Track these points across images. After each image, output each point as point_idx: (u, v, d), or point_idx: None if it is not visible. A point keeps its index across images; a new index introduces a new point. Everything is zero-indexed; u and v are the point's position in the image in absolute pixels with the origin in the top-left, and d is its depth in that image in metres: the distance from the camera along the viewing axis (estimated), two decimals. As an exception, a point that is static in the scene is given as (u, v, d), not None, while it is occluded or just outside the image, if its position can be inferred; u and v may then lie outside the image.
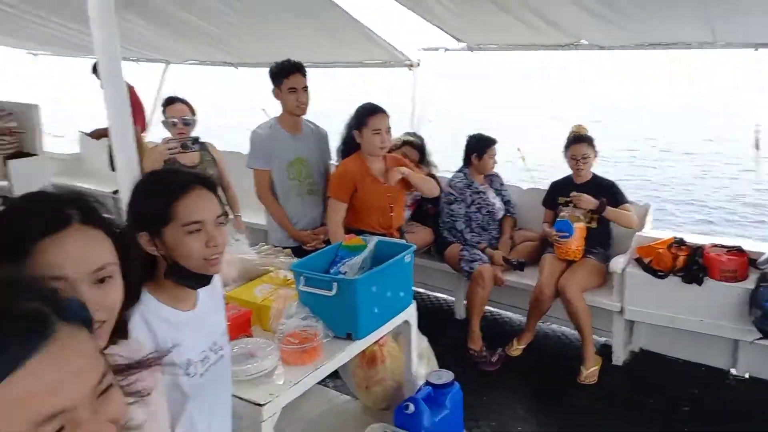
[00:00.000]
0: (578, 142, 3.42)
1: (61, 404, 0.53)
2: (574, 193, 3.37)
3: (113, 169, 4.61)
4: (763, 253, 3.04)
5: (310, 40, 4.35)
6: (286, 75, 2.96)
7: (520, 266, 3.51)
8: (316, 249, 3.04)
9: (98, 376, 0.59)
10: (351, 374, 2.50)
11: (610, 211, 3.31)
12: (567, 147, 3.46)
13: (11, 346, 0.51)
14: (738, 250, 3.08)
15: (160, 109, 3.27)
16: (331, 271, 2.23)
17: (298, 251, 3.06)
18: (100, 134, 4.60)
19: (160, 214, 1.24)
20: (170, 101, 3.16)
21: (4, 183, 4.94)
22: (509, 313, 3.90)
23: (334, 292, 1.93)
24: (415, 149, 3.79)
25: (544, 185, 3.77)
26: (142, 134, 4.88)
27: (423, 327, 3.61)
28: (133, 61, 5.94)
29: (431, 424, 2.11)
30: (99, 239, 0.91)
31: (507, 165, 4.47)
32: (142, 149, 3.92)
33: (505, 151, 4.03)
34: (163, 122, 3.12)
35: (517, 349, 3.39)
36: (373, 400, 2.44)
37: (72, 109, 11.50)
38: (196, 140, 3.01)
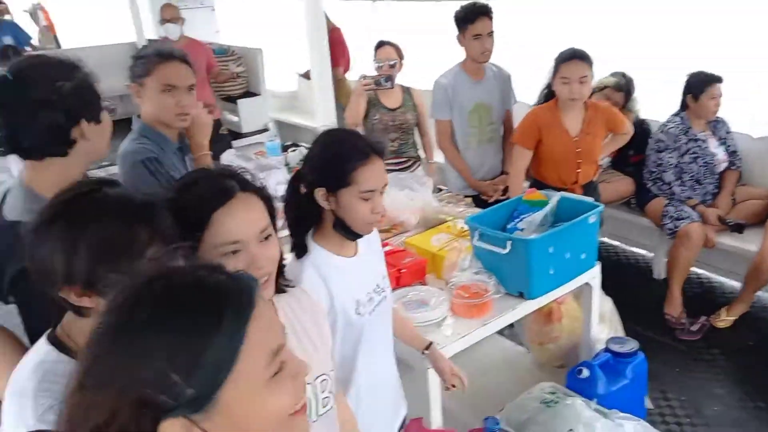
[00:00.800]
0: None
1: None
2: None
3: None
4: None
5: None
6: (471, 20, 2.85)
7: (738, 228, 3.03)
8: (496, 200, 3.03)
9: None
10: (525, 327, 2.48)
11: None
12: None
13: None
14: None
15: (369, 49, 3.41)
16: (508, 226, 2.19)
17: (478, 199, 3.06)
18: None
19: (342, 177, 1.35)
20: (379, 45, 3.25)
21: (235, 119, 5.72)
22: (721, 278, 3.43)
23: (507, 250, 1.90)
24: (620, 91, 3.42)
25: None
26: (345, 74, 5.16)
27: (614, 284, 3.41)
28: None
29: (607, 393, 2.02)
30: (257, 203, 1.06)
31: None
32: (344, 89, 4.19)
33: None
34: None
35: (725, 320, 2.99)
36: (547, 356, 2.40)
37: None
38: (388, 78, 3.03)
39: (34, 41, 7.76)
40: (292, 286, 1.26)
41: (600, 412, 1.85)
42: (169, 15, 4.26)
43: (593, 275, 2.19)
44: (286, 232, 2.40)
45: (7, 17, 7.44)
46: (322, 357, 1.21)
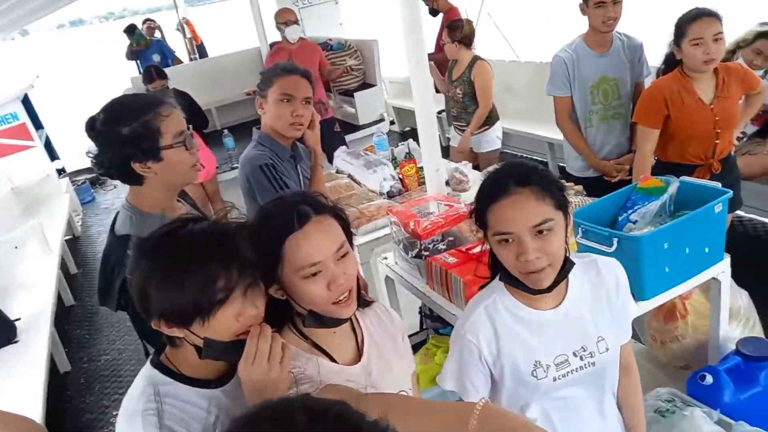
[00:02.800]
0: None
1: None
2: None
3: (437, 91, 5.10)
4: None
5: None
6: None
7: None
8: (622, 181, 2.83)
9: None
10: (645, 323, 2.31)
11: None
12: None
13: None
14: None
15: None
16: (620, 218, 2.05)
17: (601, 181, 2.89)
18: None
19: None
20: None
21: (352, 110, 5.90)
22: None
23: (613, 248, 1.78)
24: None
25: None
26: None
27: (760, 270, 3.05)
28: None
29: (735, 402, 1.83)
30: (333, 224, 1.13)
31: None
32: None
33: None
34: None
35: None
36: (669, 356, 2.22)
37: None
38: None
39: (181, 54, 8.61)
40: (372, 302, 1.31)
41: (723, 425, 1.68)
42: (284, 18, 4.48)
43: (722, 269, 1.96)
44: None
45: (157, 35, 8.32)
46: (396, 372, 1.24)
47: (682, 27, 2.38)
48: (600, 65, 2.84)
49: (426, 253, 2.15)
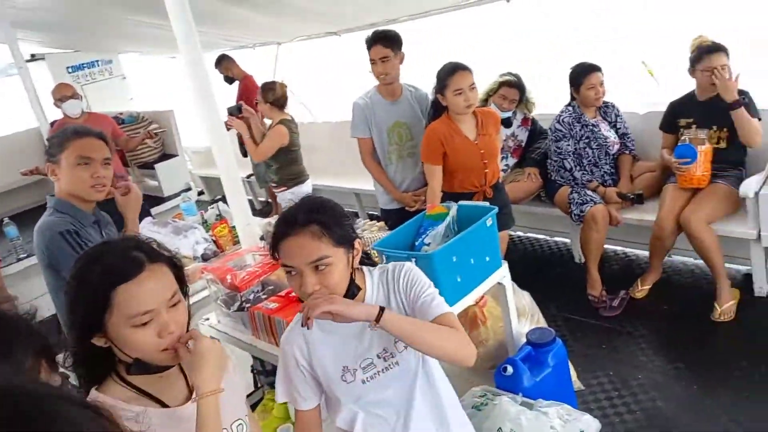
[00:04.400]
0: (717, 51, 2.98)
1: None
2: (718, 73, 2.90)
3: (244, 155, 5.10)
4: None
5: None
6: (369, 47, 3.09)
7: (638, 199, 3.27)
8: (420, 210, 3.15)
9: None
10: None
11: (741, 116, 2.89)
12: (698, 58, 3.03)
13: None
14: None
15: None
16: (416, 243, 2.30)
17: (402, 213, 3.20)
18: (227, 125, 5.02)
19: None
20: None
21: (155, 183, 5.67)
22: (636, 251, 3.66)
23: (413, 268, 1.99)
24: (514, 88, 3.63)
25: (664, 107, 3.39)
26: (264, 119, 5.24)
27: (542, 275, 3.60)
28: (249, 48, 6.36)
29: (532, 385, 2.13)
30: (167, 272, 1.14)
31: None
32: (296, 133, 4.26)
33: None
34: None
35: (641, 290, 3.20)
36: (478, 361, 2.47)
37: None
38: (238, 108, 3.75)
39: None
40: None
41: (526, 405, 1.95)
42: (60, 94, 4.22)
43: (503, 274, 2.31)
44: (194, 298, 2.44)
45: None
46: (232, 404, 1.25)
47: (443, 79, 2.81)
48: (393, 111, 3.21)
49: (247, 305, 2.17)
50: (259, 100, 3.96)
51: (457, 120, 2.86)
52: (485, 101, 3.58)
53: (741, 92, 2.99)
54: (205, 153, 6.28)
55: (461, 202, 2.32)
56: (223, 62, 5.62)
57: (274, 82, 4.09)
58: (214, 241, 2.95)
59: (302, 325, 1.29)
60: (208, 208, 3.42)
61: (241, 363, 2.54)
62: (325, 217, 1.34)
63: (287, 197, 4.01)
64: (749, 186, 2.84)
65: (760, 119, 2.97)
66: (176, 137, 5.84)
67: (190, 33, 2.33)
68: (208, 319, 2.35)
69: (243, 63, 5.77)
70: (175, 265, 1.17)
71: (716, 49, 2.98)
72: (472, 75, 2.80)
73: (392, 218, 3.24)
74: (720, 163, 3.02)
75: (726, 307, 2.88)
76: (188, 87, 2.43)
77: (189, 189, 5.53)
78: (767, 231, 2.82)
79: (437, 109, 2.92)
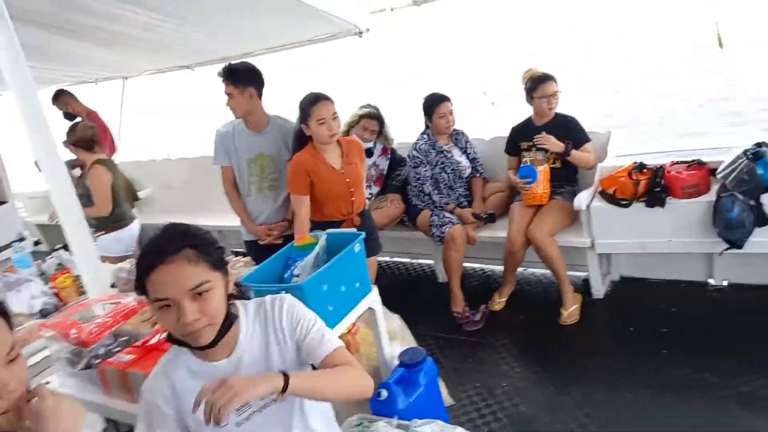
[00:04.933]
0: (547, 80, 3.36)
1: None
2: (540, 136, 3.33)
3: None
4: (722, 162, 3.01)
5: (255, 29, 4.24)
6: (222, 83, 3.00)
7: (490, 218, 3.51)
8: (273, 244, 3.09)
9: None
10: (330, 366, 2.54)
11: (574, 155, 3.32)
12: (533, 88, 3.38)
13: None
14: (698, 164, 3.06)
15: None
16: (285, 276, 2.25)
17: (258, 246, 3.12)
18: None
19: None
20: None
21: (-19, 235, 4.96)
22: (492, 267, 3.93)
23: (283, 301, 1.95)
24: (374, 120, 3.75)
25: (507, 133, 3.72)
26: (112, 155, 4.87)
27: (409, 298, 3.71)
28: (91, 83, 5.90)
29: (407, 406, 2.16)
30: (2, 326, 1.01)
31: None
32: (118, 171, 3.98)
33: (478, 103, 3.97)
34: None
35: (499, 303, 3.43)
36: (354, 388, 2.49)
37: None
38: None
39: None
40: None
41: (402, 427, 1.97)
42: None
43: (373, 299, 2.34)
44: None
45: None
46: None
47: (306, 109, 2.81)
48: (256, 142, 3.11)
49: (97, 360, 1.96)
50: (64, 143, 3.70)
51: (321, 150, 2.87)
52: (347, 132, 3.66)
53: (566, 118, 3.39)
54: (42, 198, 5.66)
55: (329, 231, 2.33)
56: (61, 97, 5.16)
57: (76, 123, 3.91)
58: (55, 294, 2.65)
59: (209, 422, 1.17)
60: (46, 258, 3.07)
61: (92, 428, 2.27)
62: (197, 240, 1.27)
63: (107, 242, 3.73)
64: (582, 200, 3.19)
65: (589, 140, 3.38)
66: (4, 182, 5.20)
67: (18, 67, 2.11)
68: (48, 382, 2.08)
69: (87, 98, 5.34)
70: (7, 317, 1.04)
71: (547, 78, 3.36)
72: (334, 104, 2.83)
73: (253, 250, 3.18)
74: (557, 180, 3.37)
75: (571, 311, 3.18)
76: (20, 126, 2.20)
77: (23, 239, 4.92)
78: (599, 239, 3.18)
79: (301, 139, 2.92)
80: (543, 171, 3.31)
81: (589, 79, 10.86)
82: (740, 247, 2.76)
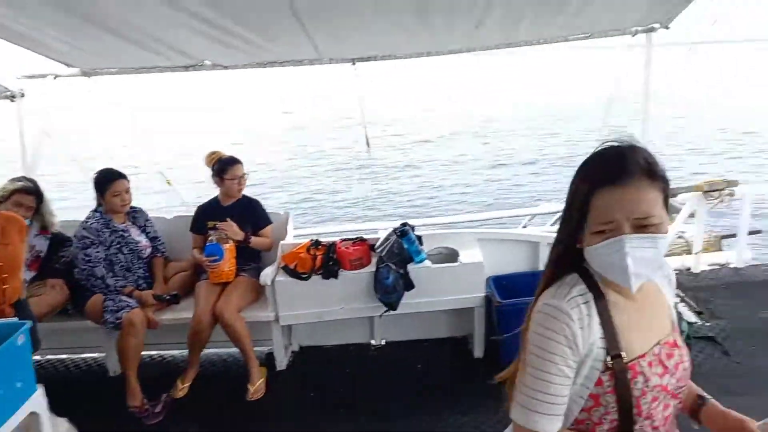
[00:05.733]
0: (237, 163, 3.53)
1: None
2: (223, 224, 3.40)
3: None
4: (379, 238, 3.60)
5: None
6: None
7: (174, 299, 3.36)
8: None
9: None
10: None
11: (254, 242, 3.49)
12: (223, 169, 3.49)
13: None
14: (361, 240, 3.59)
15: None
16: None
17: None
18: None
19: None
20: None
21: None
22: (172, 351, 3.72)
23: None
24: (31, 195, 3.28)
25: (190, 211, 3.69)
26: None
27: (79, 395, 3.20)
28: None
29: None
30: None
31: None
32: None
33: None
34: None
35: (182, 389, 3.24)
36: None
37: None
38: None
39: None
40: None
41: None
42: None
43: (38, 401, 1.96)
44: None
45: None
46: None
47: None
48: None
49: None
50: None
51: None
52: (-6, 207, 3.06)
53: (251, 201, 3.61)
54: None
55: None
56: None
57: None
58: None
59: None
60: None
61: None
62: None
63: None
64: (267, 275, 3.36)
65: (271, 222, 3.64)
66: None
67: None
68: None
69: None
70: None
71: (236, 161, 3.55)
72: None
73: None
74: (242, 258, 3.47)
75: (258, 385, 3.22)
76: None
77: None
78: (283, 311, 3.37)
79: None
80: (229, 248, 3.37)
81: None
82: (395, 309, 3.31)
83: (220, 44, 3.37)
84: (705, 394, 1.29)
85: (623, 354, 1.11)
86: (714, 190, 4.67)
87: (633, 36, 3.93)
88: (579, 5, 3.24)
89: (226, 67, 3.98)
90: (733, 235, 4.99)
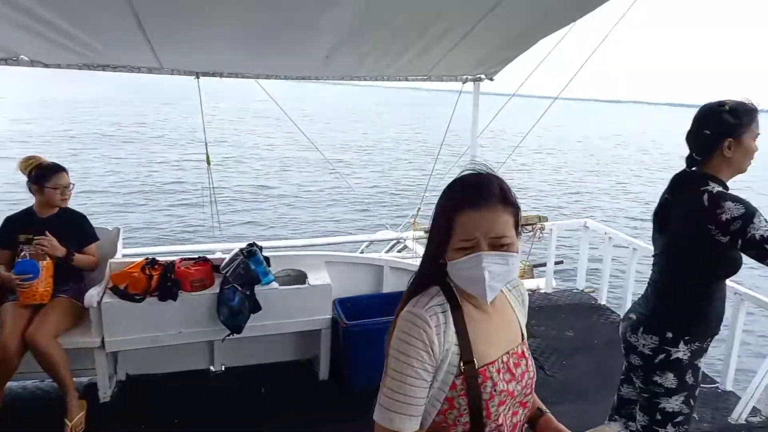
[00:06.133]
0: (62, 170, 3.14)
1: None
2: (42, 238, 2.99)
3: None
4: (224, 259, 3.45)
5: None
6: None
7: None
8: None
9: None
10: None
11: (78, 260, 3.13)
12: (44, 177, 3.09)
13: None
14: (204, 260, 3.41)
15: None
16: None
17: None
18: None
19: None
20: None
21: None
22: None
23: None
24: None
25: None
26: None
27: None
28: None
29: None
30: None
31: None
32: None
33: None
34: None
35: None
36: None
37: None
38: None
39: None
40: None
41: None
42: None
43: None
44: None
45: None
46: None
47: None
48: None
49: None
50: None
51: None
52: None
53: (75, 214, 3.22)
54: None
55: None
56: None
57: None
58: None
59: None
60: None
61: None
62: None
63: None
64: (92, 297, 3.01)
65: (97, 239, 3.29)
66: None
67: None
68: None
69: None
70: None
71: (61, 168, 3.17)
72: None
73: None
74: (60, 277, 3.07)
75: (76, 420, 2.85)
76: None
77: None
78: (110, 337, 3.04)
79: None
80: (46, 266, 2.98)
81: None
82: (240, 332, 3.18)
83: (40, 37, 3.00)
84: (544, 407, 1.45)
85: (475, 360, 1.22)
86: (528, 224, 5.33)
87: (463, 83, 4.38)
88: (419, 52, 3.57)
89: (46, 65, 3.55)
90: (543, 264, 5.70)
